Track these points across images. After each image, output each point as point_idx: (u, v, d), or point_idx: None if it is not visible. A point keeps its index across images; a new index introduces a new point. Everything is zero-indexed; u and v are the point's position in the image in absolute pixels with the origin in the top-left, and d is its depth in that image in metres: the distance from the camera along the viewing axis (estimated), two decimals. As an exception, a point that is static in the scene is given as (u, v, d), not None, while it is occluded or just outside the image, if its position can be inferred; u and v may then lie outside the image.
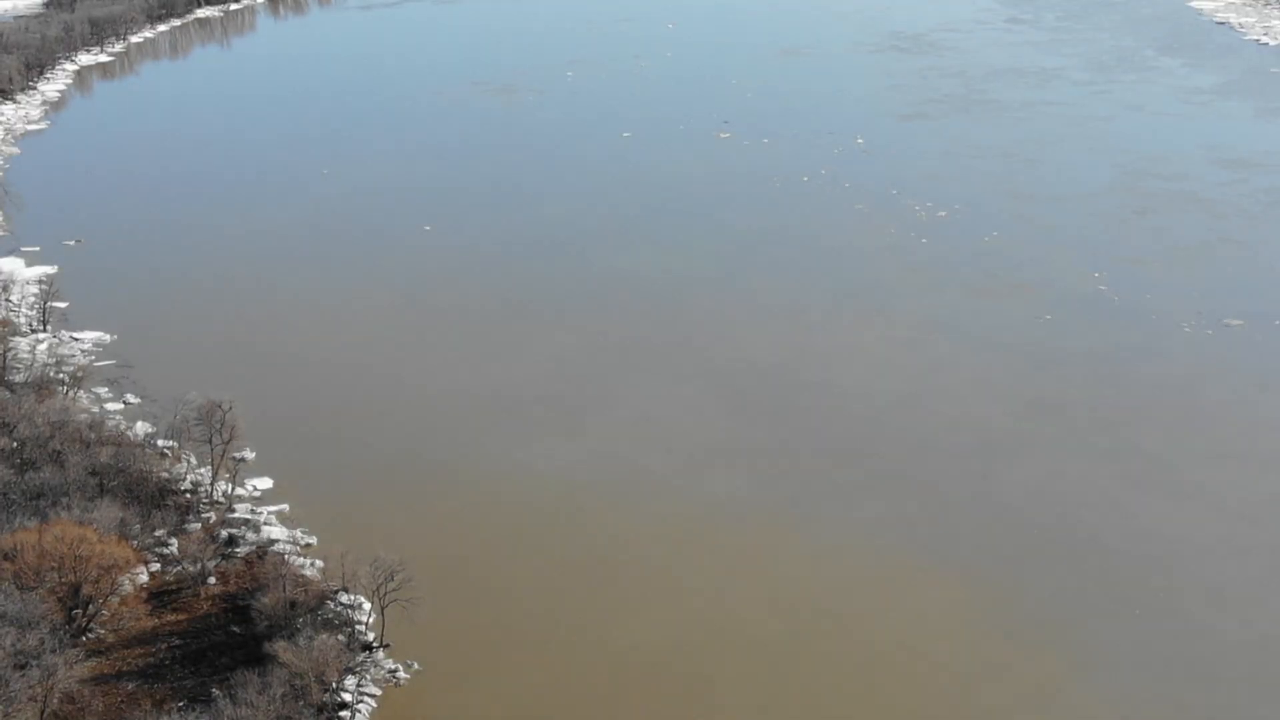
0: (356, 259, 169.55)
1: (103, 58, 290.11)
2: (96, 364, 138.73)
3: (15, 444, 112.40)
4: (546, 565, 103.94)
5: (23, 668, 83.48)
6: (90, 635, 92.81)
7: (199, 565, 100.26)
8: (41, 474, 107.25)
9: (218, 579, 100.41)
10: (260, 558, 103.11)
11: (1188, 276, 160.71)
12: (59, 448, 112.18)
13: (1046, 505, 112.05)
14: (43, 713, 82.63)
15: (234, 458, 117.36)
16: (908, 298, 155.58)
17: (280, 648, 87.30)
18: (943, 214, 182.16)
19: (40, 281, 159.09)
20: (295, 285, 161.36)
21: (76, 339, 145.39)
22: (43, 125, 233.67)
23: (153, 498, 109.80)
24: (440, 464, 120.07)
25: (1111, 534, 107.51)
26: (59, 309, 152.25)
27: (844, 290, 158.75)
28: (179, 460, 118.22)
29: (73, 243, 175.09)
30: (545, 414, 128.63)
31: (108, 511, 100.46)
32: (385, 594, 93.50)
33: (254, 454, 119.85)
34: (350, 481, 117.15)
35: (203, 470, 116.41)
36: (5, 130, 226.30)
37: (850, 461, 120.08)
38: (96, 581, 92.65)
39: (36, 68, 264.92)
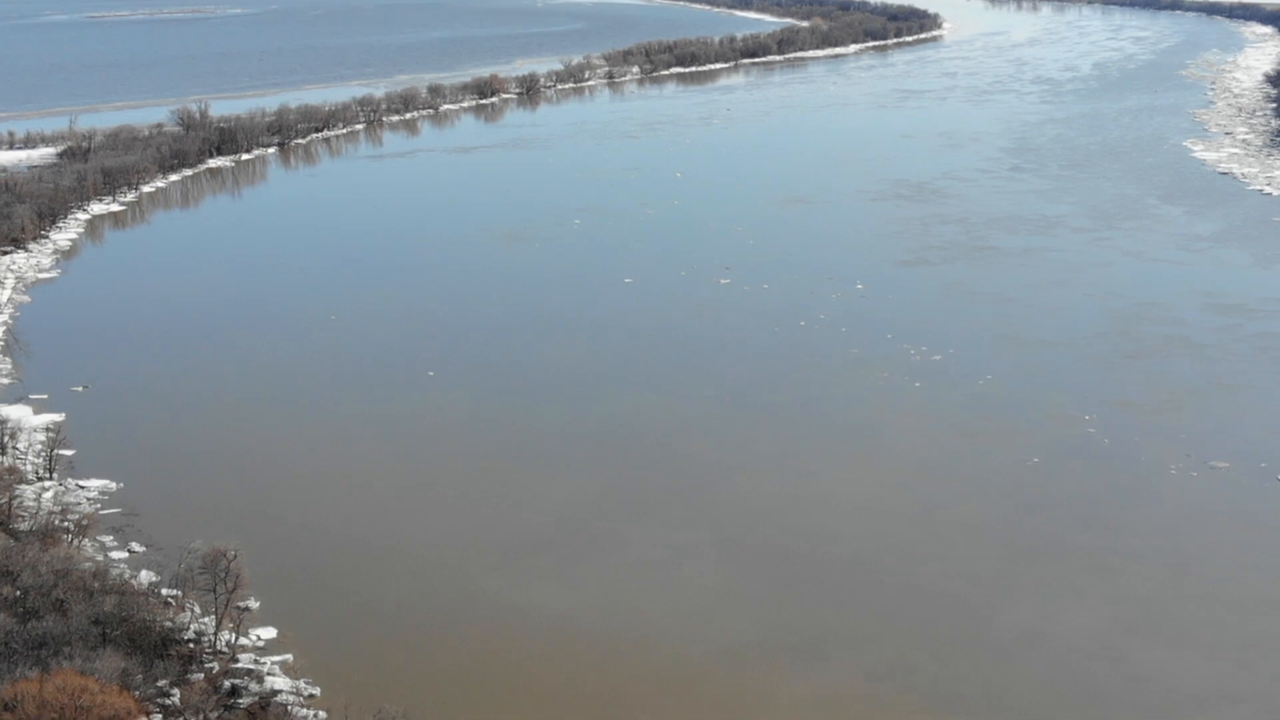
0: (361, 405, 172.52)
1: (115, 207, 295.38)
2: (102, 512, 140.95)
3: (18, 592, 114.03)
4: (549, 716, 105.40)
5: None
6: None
7: (201, 716, 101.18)
8: (44, 623, 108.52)
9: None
10: (263, 709, 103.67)
11: (1177, 419, 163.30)
12: (62, 596, 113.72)
13: (1042, 651, 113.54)
14: None
15: (238, 607, 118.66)
16: (901, 441, 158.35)
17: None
18: (937, 358, 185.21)
19: (47, 429, 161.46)
20: (300, 431, 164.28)
21: (82, 487, 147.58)
22: (54, 274, 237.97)
23: (156, 647, 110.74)
24: (442, 612, 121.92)
25: (1107, 680, 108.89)
26: (65, 456, 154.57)
27: (838, 434, 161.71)
28: (183, 609, 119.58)
29: (80, 389, 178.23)
30: (545, 561, 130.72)
31: (110, 661, 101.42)
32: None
33: (258, 603, 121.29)
34: (354, 631, 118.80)
35: (206, 619, 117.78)
36: (16, 279, 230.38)
37: (847, 608, 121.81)
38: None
39: (49, 217, 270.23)
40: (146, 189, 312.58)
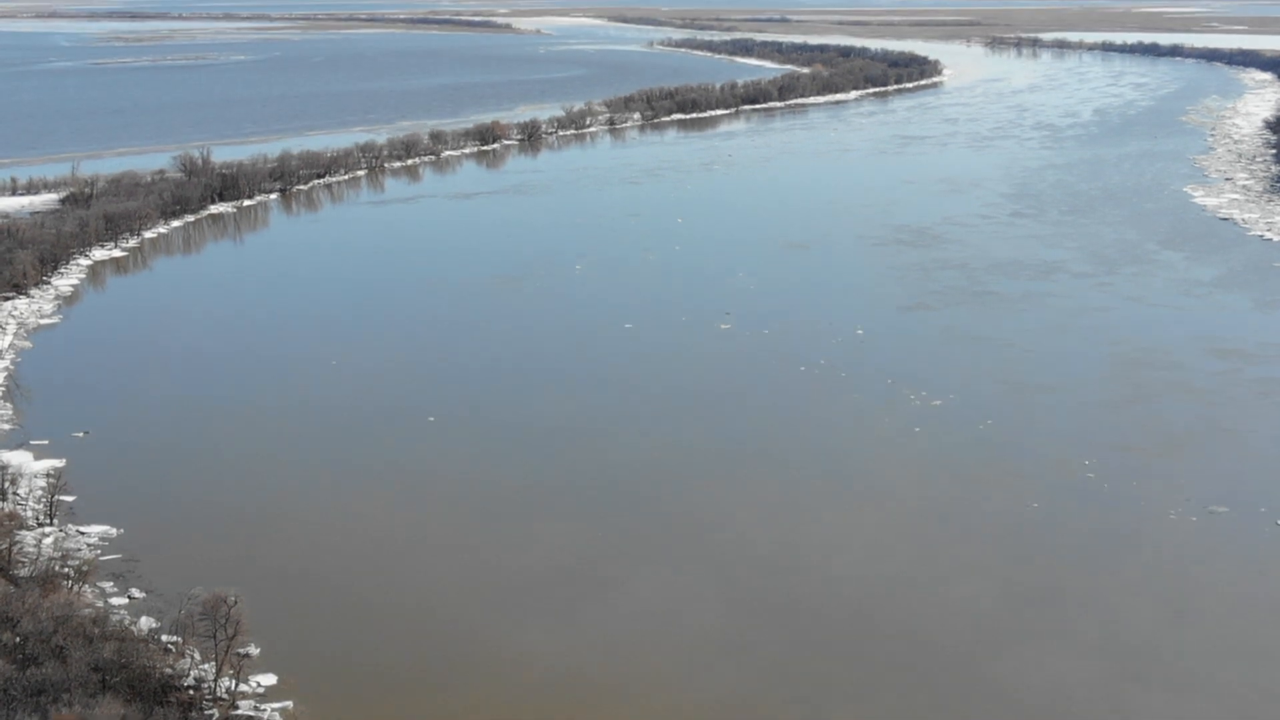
0: (360, 451, 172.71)
1: (116, 253, 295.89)
2: (102, 558, 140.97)
3: (18, 639, 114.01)
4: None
5: None
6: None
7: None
8: (44, 669, 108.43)
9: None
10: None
11: (1176, 464, 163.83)
12: (62, 643, 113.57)
13: (1044, 699, 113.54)
14: None
15: (238, 653, 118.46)
16: (900, 486, 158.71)
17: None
18: (937, 403, 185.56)
19: (48, 474, 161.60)
20: (300, 477, 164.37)
21: (83, 532, 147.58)
22: (55, 319, 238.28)
23: (155, 694, 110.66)
24: (442, 660, 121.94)
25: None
26: (66, 502, 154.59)
27: (838, 479, 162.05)
28: (183, 656, 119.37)
29: (81, 435, 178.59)
30: (545, 607, 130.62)
31: (109, 708, 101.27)
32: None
33: (258, 650, 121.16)
34: (354, 678, 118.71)
35: (206, 666, 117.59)
36: (18, 324, 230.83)
37: (848, 654, 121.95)
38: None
39: (51, 262, 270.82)
40: (148, 235, 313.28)
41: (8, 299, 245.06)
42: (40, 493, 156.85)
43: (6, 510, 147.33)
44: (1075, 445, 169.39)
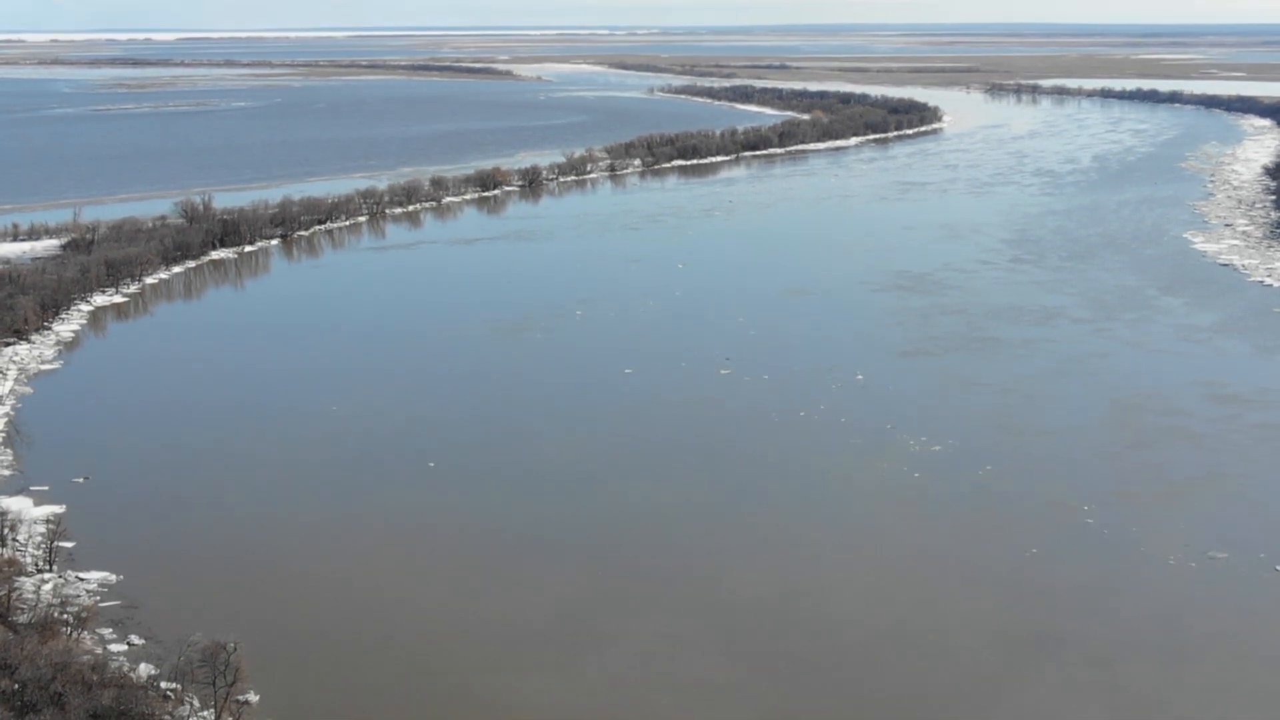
0: (361, 494, 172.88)
1: (117, 298, 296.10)
2: (102, 604, 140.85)
3: (16, 686, 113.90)
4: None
5: None
6: None
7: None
8: (42, 717, 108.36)
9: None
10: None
11: (1175, 510, 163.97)
12: (60, 690, 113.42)
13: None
14: None
15: (238, 700, 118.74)
16: (898, 531, 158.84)
17: None
18: (936, 448, 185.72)
19: (48, 520, 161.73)
20: (300, 524, 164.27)
21: (82, 579, 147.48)
22: (56, 364, 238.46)
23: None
24: (443, 707, 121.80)
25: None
26: (65, 548, 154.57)
27: (836, 524, 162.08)
28: (182, 703, 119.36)
29: (81, 481, 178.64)
30: (545, 654, 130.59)
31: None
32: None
33: (258, 697, 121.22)
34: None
35: (206, 713, 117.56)
36: (19, 370, 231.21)
37: (846, 701, 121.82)
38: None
39: (52, 308, 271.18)
40: (149, 280, 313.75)
41: (9, 344, 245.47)
42: (39, 538, 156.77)
43: (6, 556, 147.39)
44: (1074, 490, 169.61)
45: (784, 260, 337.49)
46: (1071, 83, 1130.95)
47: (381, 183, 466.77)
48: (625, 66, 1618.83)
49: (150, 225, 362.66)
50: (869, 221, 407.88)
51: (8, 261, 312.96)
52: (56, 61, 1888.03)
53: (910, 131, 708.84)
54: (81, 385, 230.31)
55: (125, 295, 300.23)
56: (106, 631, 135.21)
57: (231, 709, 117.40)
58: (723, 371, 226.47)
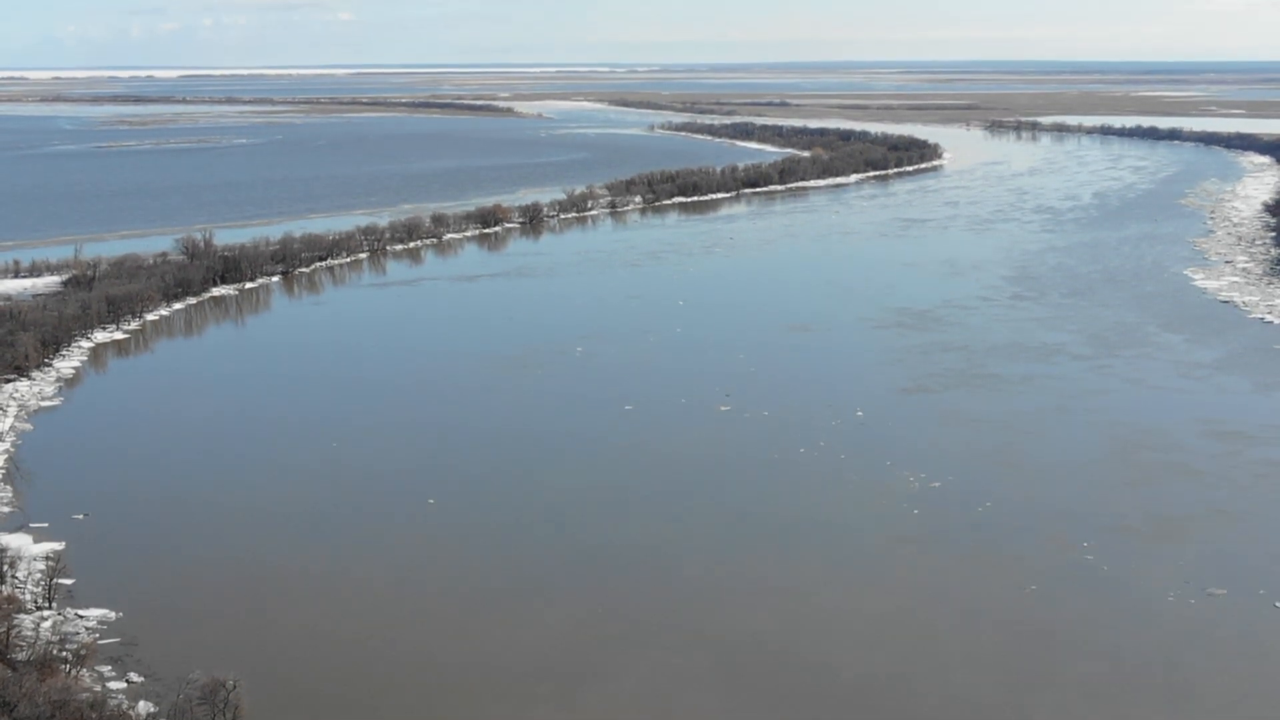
0: (362, 532, 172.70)
1: (118, 335, 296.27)
2: (101, 641, 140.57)
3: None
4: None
5: None
6: None
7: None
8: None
9: None
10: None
11: (1175, 546, 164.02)
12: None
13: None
14: None
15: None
16: (897, 568, 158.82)
17: None
18: (936, 485, 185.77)
19: (47, 558, 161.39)
20: (300, 560, 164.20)
21: (81, 616, 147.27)
22: (56, 401, 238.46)
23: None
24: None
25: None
26: (65, 585, 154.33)
27: (835, 561, 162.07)
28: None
29: (80, 517, 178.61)
30: (546, 687, 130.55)
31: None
32: None
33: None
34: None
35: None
36: (19, 406, 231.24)
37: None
38: None
39: (52, 344, 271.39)
40: (150, 317, 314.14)
41: (9, 381, 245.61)
42: (39, 576, 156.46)
43: (5, 593, 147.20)
44: (1074, 527, 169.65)
45: (784, 297, 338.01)
46: (1071, 119, 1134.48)
47: (382, 219, 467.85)
48: (626, 104, 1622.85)
49: (151, 262, 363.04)
50: (870, 258, 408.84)
51: (9, 298, 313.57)
52: (59, 99, 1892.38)
53: (910, 168, 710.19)
54: (82, 422, 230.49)
55: (126, 332, 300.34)
56: (105, 669, 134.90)
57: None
58: (723, 408, 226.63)
